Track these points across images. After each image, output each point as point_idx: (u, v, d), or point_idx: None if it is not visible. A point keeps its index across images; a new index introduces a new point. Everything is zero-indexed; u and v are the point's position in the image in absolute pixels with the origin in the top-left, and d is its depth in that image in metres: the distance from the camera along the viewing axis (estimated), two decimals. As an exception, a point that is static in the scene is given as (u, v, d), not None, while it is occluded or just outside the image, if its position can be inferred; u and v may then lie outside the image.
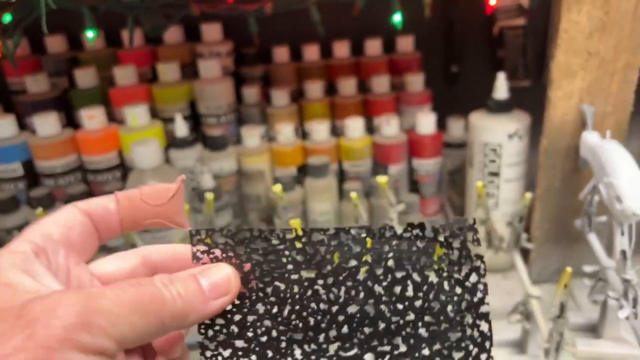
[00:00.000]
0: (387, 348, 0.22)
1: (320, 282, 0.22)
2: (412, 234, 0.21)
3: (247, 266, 0.23)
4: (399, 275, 0.22)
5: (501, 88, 0.69)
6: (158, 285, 0.22)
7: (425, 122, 0.79)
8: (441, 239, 0.21)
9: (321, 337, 0.22)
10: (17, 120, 0.77)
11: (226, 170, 0.79)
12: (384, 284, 0.22)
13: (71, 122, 0.84)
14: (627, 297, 0.52)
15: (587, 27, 0.58)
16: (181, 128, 0.77)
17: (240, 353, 0.23)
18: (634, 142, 0.66)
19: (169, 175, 0.71)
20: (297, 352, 0.22)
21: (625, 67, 0.60)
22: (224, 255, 0.23)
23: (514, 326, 0.63)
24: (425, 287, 0.21)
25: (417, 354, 0.22)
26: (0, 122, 0.75)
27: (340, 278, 0.22)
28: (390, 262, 0.21)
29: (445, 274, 0.21)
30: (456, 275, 0.22)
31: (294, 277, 0.22)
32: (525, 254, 0.71)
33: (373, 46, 0.89)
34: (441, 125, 0.84)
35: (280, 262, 0.22)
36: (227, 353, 0.23)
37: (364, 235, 0.22)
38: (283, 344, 0.23)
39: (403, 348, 0.22)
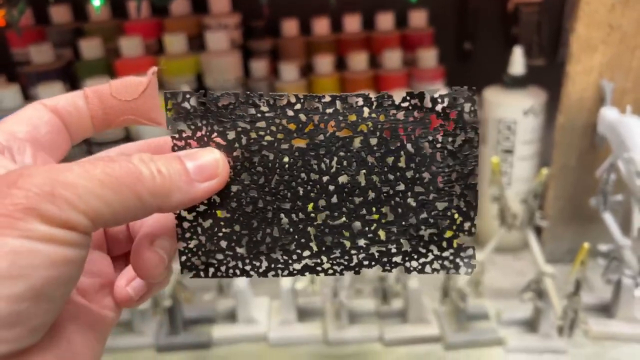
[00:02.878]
0: (375, 217, 0.22)
1: (312, 152, 0.21)
2: (410, 103, 0.21)
3: (231, 134, 0.22)
4: (393, 145, 0.21)
5: (517, 63, 0.68)
6: (135, 162, 0.20)
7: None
8: (438, 109, 0.21)
9: (310, 206, 0.22)
10: (21, 91, 0.75)
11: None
12: (377, 154, 0.21)
13: (76, 93, 0.83)
14: (644, 276, 0.51)
15: (610, -1, 0.56)
16: (188, 101, 0.76)
17: (222, 223, 0.22)
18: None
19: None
20: (284, 221, 0.22)
21: (647, 41, 0.58)
22: (204, 122, 0.22)
23: (525, 305, 0.62)
24: (418, 159, 0.21)
25: (403, 222, 0.22)
26: (4, 92, 0.73)
27: (334, 148, 0.21)
28: (386, 132, 0.21)
29: (439, 145, 0.21)
30: (449, 147, 0.21)
31: (284, 146, 0.22)
32: (537, 233, 0.70)
33: (385, 20, 0.87)
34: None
35: (270, 130, 0.21)
36: (207, 224, 0.22)
37: (361, 103, 0.21)
38: (269, 214, 0.22)
39: (391, 217, 0.22)
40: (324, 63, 0.83)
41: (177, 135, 0.22)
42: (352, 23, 0.87)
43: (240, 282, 0.63)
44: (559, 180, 0.66)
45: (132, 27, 0.85)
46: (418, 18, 0.87)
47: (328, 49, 0.87)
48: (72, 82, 0.83)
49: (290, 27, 0.87)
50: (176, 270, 0.52)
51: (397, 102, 0.21)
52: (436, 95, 0.21)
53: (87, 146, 0.78)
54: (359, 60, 0.83)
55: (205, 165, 0.22)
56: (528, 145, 0.69)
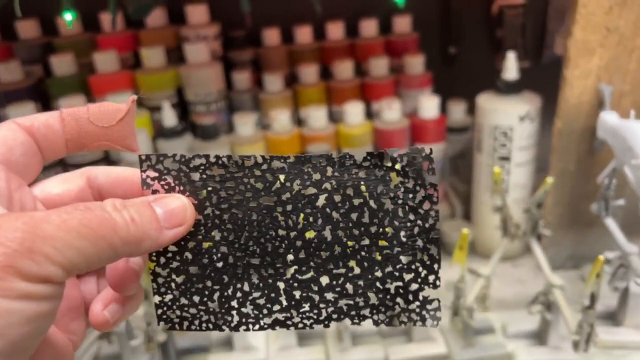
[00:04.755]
0: (342, 270, 0.23)
1: (279, 209, 0.22)
2: (371, 162, 0.22)
3: (203, 193, 0.23)
4: (356, 202, 0.22)
5: (511, 68, 0.66)
6: (109, 210, 0.20)
7: (429, 105, 0.75)
8: (398, 167, 0.22)
9: (278, 262, 0.23)
10: (-11, 112, 0.71)
11: (219, 161, 0.74)
12: (342, 210, 0.22)
13: (48, 113, 0.78)
14: (657, 284, 0.50)
15: (607, 1, 0.55)
16: (169, 117, 0.72)
17: (194, 279, 0.23)
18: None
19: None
20: (254, 277, 0.23)
21: (644, 43, 0.57)
22: (177, 182, 0.23)
23: (531, 317, 0.60)
24: (380, 214, 0.22)
25: (370, 276, 0.23)
26: (-30, 114, 0.69)
27: (300, 205, 0.22)
28: (349, 190, 0.22)
29: (400, 201, 0.22)
30: (410, 203, 0.22)
31: (253, 204, 0.23)
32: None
33: (369, 27, 0.85)
34: (441, 108, 0.81)
35: (238, 189, 0.23)
36: (180, 279, 0.23)
37: (324, 163, 0.22)
38: (240, 269, 0.23)
39: (357, 270, 0.23)
40: (309, 72, 0.81)
41: (146, 176, 0.23)
42: (336, 30, 0.85)
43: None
44: (558, 186, 0.65)
45: (106, 41, 0.81)
46: (402, 23, 0.86)
47: (312, 57, 0.84)
48: (44, 101, 0.78)
49: (272, 36, 0.84)
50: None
51: (358, 162, 0.22)
52: (395, 155, 0.22)
53: (63, 167, 0.74)
54: (344, 69, 0.80)
55: (175, 212, 0.22)
56: (525, 151, 0.67)
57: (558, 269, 0.69)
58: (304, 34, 0.84)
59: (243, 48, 0.86)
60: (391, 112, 0.75)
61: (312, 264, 0.23)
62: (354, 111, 0.75)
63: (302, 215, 0.23)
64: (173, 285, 0.23)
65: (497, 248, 0.60)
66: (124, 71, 0.78)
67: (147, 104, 0.77)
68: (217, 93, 0.78)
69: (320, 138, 0.75)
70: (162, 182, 0.23)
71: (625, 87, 0.59)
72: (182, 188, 0.23)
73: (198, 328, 0.24)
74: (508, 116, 0.65)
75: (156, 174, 0.23)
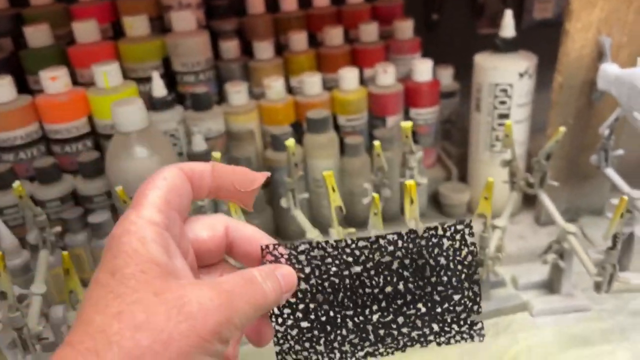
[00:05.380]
0: (413, 311, 0.30)
1: (365, 274, 0.29)
2: (429, 233, 0.29)
3: (307, 269, 0.29)
4: (420, 262, 0.29)
5: (508, 25, 0.67)
6: (260, 281, 0.26)
7: (423, 69, 0.75)
8: (448, 234, 0.29)
9: (367, 311, 0.30)
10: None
11: (214, 131, 0.71)
12: (410, 269, 0.29)
13: (23, 88, 0.73)
14: (669, 224, 0.52)
15: (608, -48, 0.56)
16: (159, 87, 0.69)
17: (305, 330, 0.30)
18: None
19: (157, 139, 0.63)
20: (350, 324, 0.30)
21: (642, -6, 0.59)
22: (288, 262, 0.29)
23: (539, 268, 0.62)
24: (437, 268, 0.29)
25: (432, 312, 0.30)
26: (-59, 89, 0.63)
27: (380, 269, 0.29)
28: (415, 255, 0.29)
29: (450, 258, 0.29)
30: (458, 258, 0.29)
31: (345, 273, 0.29)
32: (530, 196, 0.70)
33: (355, -7, 0.84)
34: (430, 73, 0.81)
35: (335, 263, 0.29)
36: (294, 332, 0.30)
37: (396, 238, 0.29)
38: (338, 320, 0.30)
39: (423, 309, 0.30)
40: (298, 40, 0.79)
41: (270, 248, 0.29)
42: (321, -3, 0.83)
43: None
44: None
45: (82, 11, 0.76)
46: (388, -11, 0.85)
47: (298, 25, 0.82)
48: (18, 74, 0.73)
49: (256, 4, 0.82)
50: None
51: (420, 234, 0.29)
52: (446, 226, 0.29)
53: (47, 145, 0.69)
54: (334, 35, 0.79)
55: (289, 281, 0.28)
56: (523, 108, 0.68)
57: (554, 223, 0.71)
58: (289, 2, 0.83)
59: (227, 17, 0.83)
60: (386, 76, 0.75)
61: (390, 309, 0.30)
62: (349, 76, 0.74)
63: (382, 276, 0.29)
64: (289, 337, 0.30)
65: (507, 201, 0.61)
66: (106, 41, 0.74)
67: (133, 76, 0.74)
68: (205, 62, 0.75)
69: (316, 105, 0.74)
70: (276, 253, 0.29)
71: (624, 39, 0.61)
72: (291, 264, 0.29)
73: None
74: (508, 73, 0.66)
75: (272, 250, 0.29)
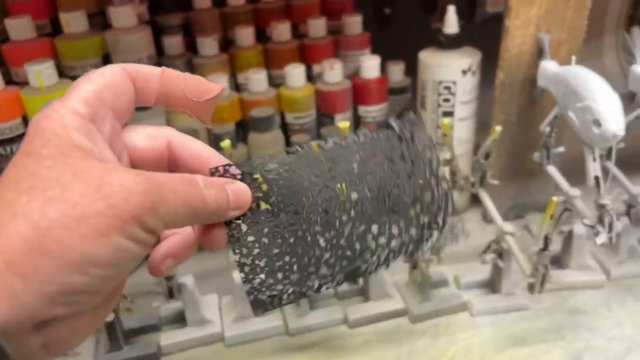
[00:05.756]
0: (385, 218, 0.27)
1: (328, 182, 0.27)
2: (383, 133, 0.28)
3: (264, 186, 0.27)
4: (382, 161, 0.27)
5: (452, 22, 0.66)
6: (202, 187, 0.25)
7: (370, 65, 0.74)
8: (402, 129, 0.28)
9: (337, 223, 0.27)
10: None
11: (156, 131, 0.69)
12: (372, 171, 0.27)
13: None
14: (603, 223, 0.52)
15: (545, -52, 0.55)
16: (97, 86, 0.67)
17: (274, 258, 0.27)
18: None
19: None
20: (321, 241, 0.27)
21: (579, -9, 0.58)
22: (239, 177, 0.27)
23: (482, 267, 0.62)
24: (399, 167, 0.28)
25: (407, 216, 0.28)
26: None
27: (342, 175, 0.27)
28: (374, 159, 0.27)
29: (410, 154, 0.28)
30: (419, 155, 0.28)
31: (306, 184, 0.27)
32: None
33: (303, -13, 0.82)
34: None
35: (292, 175, 0.27)
36: (263, 262, 0.27)
37: (351, 141, 0.27)
38: (308, 238, 0.27)
39: (397, 215, 0.27)
40: (245, 35, 0.77)
41: (220, 171, 0.27)
42: (269, -9, 0.82)
43: (186, 281, 0.56)
44: (501, 137, 0.66)
45: (18, 7, 0.73)
46: (337, -17, 0.84)
47: (246, 20, 0.81)
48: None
49: (202, -2, 0.80)
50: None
51: (374, 134, 0.28)
52: (397, 122, 0.28)
53: None
54: (282, 31, 0.78)
55: (240, 197, 0.26)
56: (467, 105, 0.68)
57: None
58: (236, -4, 0.81)
59: (171, 12, 0.81)
60: (333, 72, 0.73)
61: (362, 218, 0.27)
62: (295, 73, 0.73)
63: (344, 183, 0.27)
64: (258, 269, 0.26)
65: (449, 201, 0.61)
66: (42, 38, 0.71)
67: (72, 74, 0.71)
68: (147, 59, 0.73)
69: (262, 102, 0.72)
70: (228, 175, 0.27)
71: (563, 36, 0.61)
72: (247, 183, 0.27)
73: (287, 301, 0.27)
74: (451, 70, 0.65)
75: (222, 171, 0.27)
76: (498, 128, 0.55)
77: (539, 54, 0.61)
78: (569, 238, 0.61)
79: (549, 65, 0.58)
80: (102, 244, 0.21)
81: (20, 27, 0.69)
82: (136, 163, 0.26)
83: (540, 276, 0.50)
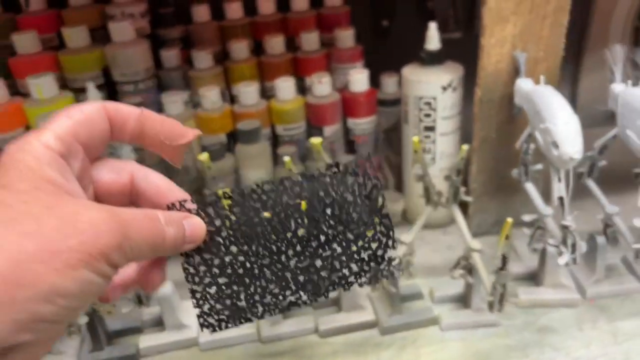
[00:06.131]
0: (328, 253, 0.30)
1: (276, 218, 0.29)
2: (332, 171, 0.29)
3: (217, 221, 0.29)
4: (328, 201, 0.29)
5: (433, 38, 0.67)
6: (162, 223, 0.26)
7: (358, 79, 0.75)
8: (350, 170, 0.29)
9: (283, 257, 0.29)
10: None
11: (149, 141, 0.73)
12: (320, 209, 0.29)
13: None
14: (566, 244, 0.52)
15: (517, -32, 0.56)
16: (94, 98, 0.71)
17: (224, 287, 0.29)
18: (563, 87, 0.66)
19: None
20: (267, 273, 0.29)
21: (555, 10, 0.58)
22: (194, 212, 0.29)
23: (457, 281, 0.62)
24: (345, 205, 0.29)
25: (348, 251, 0.30)
26: None
27: (289, 212, 0.29)
28: (322, 193, 0.29)
29: (357, 193, 0.29)
30: (364, 192, 0.29)
31: (256, 220, 0.29)
32: (463, 208, 0.70)
33: (300, 1, 0.84)
34: (374, 82, 0.81)
35: (243, 211, 0.29)
36: (213, 290, 0.29)
37: (300, 179, 0.29)
38: (256, 271, 0.29)
39: (339, 250, 0.30)
40: (239, 48, 0.80)
41: (177, 207, 0.29)
42: (267, 5, 0.84)
43: (164, 287, 0.59)
44: (481, 154, 0.67)
45: (27, 22, 0.78)
46: (333, -3, 0.85)
47: (243, 33, 0.83)
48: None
49: (201, 12, 0.83)
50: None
51: (323, 172, 0.29)
52: (347, 163, 0.29)
53: None
54: (275, 44, 0.80)
55: (195, 234, 0.28)
56: (449, 120, 0.68)
57: (485, 234, 0.71)
58: (234, 9, 0.83)
59: (172, 25, 0.84)
60: (322, 86, 0.75)
61: (307, 253, 0.30)
62: (284, 86, 0.75)
63: (292, 220, 0.29)
64: (208, 296, 0.29)
65: (420, 216, 0.62)
66: (46, 52, 0.75)
67: (74, 86, 0.75)
68: (145, 72, 0.77)
69: (252, 115, 0.75)
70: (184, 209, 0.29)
71: (540, 54, 0.61)
72: (201, 218, 0.29)
73: (234, 324, 0.30)
74: (431, 86, 0.66)
75: (182, 199, 0.29)
76: (465, 146, 0.56)
77: (516, 71, 0.61)
78: (543, 256, 0.61)
79: (523, 84, 0.59)
80: (71, 277, 0.22)
81: (25, 42, 0.74)
82: (101, 195, 0.28)
83: (498, 295, 0.51)
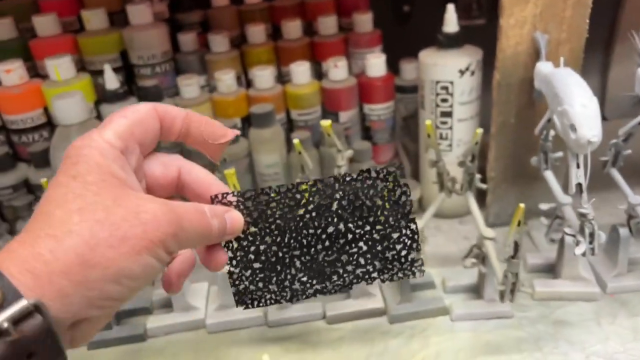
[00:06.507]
0: (355, 250, 0.32)
1: (308, 215, 0.32)
2: (363, 176, 0.31)
3: (254, 214, 0.32)
4: (357, 203, 0.32)
5: (451, 21, 0.65)
6: (209, 217, 0.29)
7: (376, 64, 0.74)
8: (381, 176, 0.31)
9: (312, 250, 0.32)
10: None
11: (164, 124, 0.73)
12: (349, 210, 0.32)
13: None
14: (584, 233, 0.50)
15: (539, -55, 0.53)
16: (111, 80, 0.71)
17: (257, 271, 0.32)
18: (592, 76, 0.63)
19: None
20: (297, 263, 0.32)
21: (579, -11, 0.56)
22: (237, 208, 0.32)
23: (471, 272, 0.60)
24: (374, 208, 0.32)
25: (374, 250, 0.32)
26: None
27: (321, 211, 0.32)
28: (352, 196, 0.31)
29: (385, 198, 0.32)
30: (392, 198, 0.32)
31: (290, 215, 0.32)
32: (482, 196, 0.68)
33: (319, -15, 0.82)
34: (394, 68, 0.80)
35: (279, 207, 0.31)
36: (248, 273, 0.32)
37: (332, 181, 0.31)
38: (287, 260, 0.32)
39: (365, 248, 0.32)
40: (257, 32, 0.79)
41: (219, 198, 0.32)
42: (285, -11, 0.83)
43: (172, 269, 0.59)
44: (500, 140, 0.64)
45: (48, 5, 0.79)
46: (353, -19, 0.83)
47: (261, 18, 0.82)
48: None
49: (219, -4, 0.82)
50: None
51: (355, 177, 0.31)
52: (378, 169, 0.31)
53: (6, 134, 0.73)
54: (293, 28, 0.79)
55: (235, 226, 0.31)
56: (466, 105, 0.66)
57: (503, 224, 0.69)
58: (253, -6, 0.83)
59: (190, 9, 0.84)
60: (338, 70, 0.74)
61: (334, 248, 0.32)
62: (300, 70, 0.74)
63: (323, 218, 0.32)
64: (243, 278, 0.32)
65: (433, 202, 0.60)
66: (66, 35, 0.76)
67: (92, 68, 0.76)
68: (162, 55, 0.77)
69: (267, 99, 0.74)
70: (225, 200, 0.31)
71: (562, 35, 0.58)
72: (240, 210, 0.32)
73: (264, 304, 0.33)
74: (448, 70, 0.64)
75: (220, 199, 0.32)
76: (479, 130, 0.54)
77: (537, 54, 0.59)
78: (561, 247, 0.59)
79: (543, 67, 0.56)
80: (135, 261, 0.25)
81: (45, 24, 0.74)
82: (151, 186, 0.31)
83: (509, 284, 0.49)
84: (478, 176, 0.59)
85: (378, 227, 0.32)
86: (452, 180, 0.59)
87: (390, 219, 0.32)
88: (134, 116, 0.29)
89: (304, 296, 0.33)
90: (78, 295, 0.24)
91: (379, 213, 0.32)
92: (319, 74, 0.80)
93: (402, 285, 0.58)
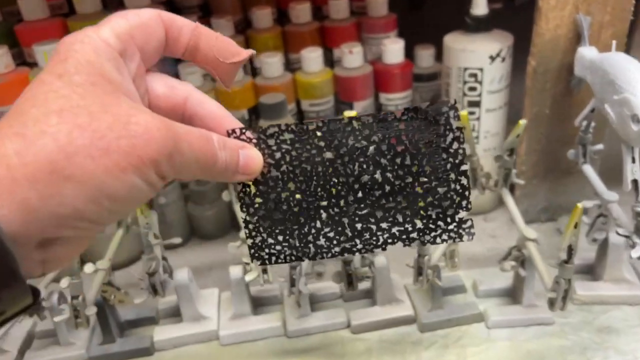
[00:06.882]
0: (392, 204, 0.28)
1: (339, 160, 0.27)
2: (408, 116, 0.26)
3: (278, 154, 0.27)
4: (399, 148, 0.27)
5: (480, 2, 0.60)
6: (216, 147, 0.25)
7: (393, 49, 0.69)
8: (430, 118, 0.26)
9: (342, 202, 0.28)
10: None
11: (164, 116, 0.67)
12: (388, 157, 0.27)
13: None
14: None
15: None
16: (106, 68, 0.65)
17: (277, 222, 0.28)
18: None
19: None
20: (324, 215, 0.28)
21: (627, -34, 0.51)
22: (257, 147, 0.27)
23: (503, 274, 0.56)
24: (419, 156, 0.27)
25: (415, 206, 0.27)
26: None
27: (354, 156, 0.27)
28: (392, 140, 0.26)
29: (434, 144, 0.26)
30: (442, 145, 0.27)
31: (318, 159, 0.27)
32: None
33: (328, -35, 0.77)
34: (408, 55, 0.75)
35: (305, 148, 0.27)
36: (266, 224, 0.28)
37: (370, 120, 0.26)
38: (312, 211, 0.28)
39: (404, 203, 0.28)
40: (263, 16, 0.73)
41: (236, 133, 0.27)
42: (292, -30, 0.77)
43: (180, 275, 0.54)
44: (532, 132, 0.60)
45: (34, -14, 0.72)
46: (365, -39, 0.78)
47: (266, 1, 0.76)
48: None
49: (221, -23, 0.76)
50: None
51: (398, 117, 0.26)
52: (427, 108, 0.26)
53: None
54: (302, 11, 0.73)
55: (251, 166, 0.27)
56: (496, 94, 0.61)
57: (532, 221, 0.65)
58: (256, -25, 0.77)
59: (190, -8, 0.78)
60: (352, 57, 0.68)
61: (368, 201, 0.28)
62: (311, 57, 0.68)
63: (357, 164, 0.27)
64: (261, 229, 0.28)
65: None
66: (54, 18, 0.70)
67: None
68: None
69: (275, 88, 0.68)
70: (243, 137, 0.27)
71: (606, 18, 0.53)
72: (262, 153, 0.27)
73: (284, 261, 0.29)
74: (477, 56, 0.59)
75: (238, 134, 0.27)
76: (522, 122, 0.49)
77: (577, 38, 0.54)
78: (603, 247, 0.54)
79: (586, 52, 0.52)
80: (119, 180, 0.21)
81: (32, 7, 0.68)
82: (153, 108, 0.26)
83: (562, 291, 0.45)
84: (514, 171, 0.54)
85: (422, 179, 0.27)
86: (486, 175, 0.54)
87: (438, 170, 0.27)
88: (135, 19, 0.25)
89: (329, 254, 0.29)
90: (46, 210, 0.20)
91: (424, 162, 0.27)
92: (330, 61, 0.75)
93: (433, 290, 0.54)
